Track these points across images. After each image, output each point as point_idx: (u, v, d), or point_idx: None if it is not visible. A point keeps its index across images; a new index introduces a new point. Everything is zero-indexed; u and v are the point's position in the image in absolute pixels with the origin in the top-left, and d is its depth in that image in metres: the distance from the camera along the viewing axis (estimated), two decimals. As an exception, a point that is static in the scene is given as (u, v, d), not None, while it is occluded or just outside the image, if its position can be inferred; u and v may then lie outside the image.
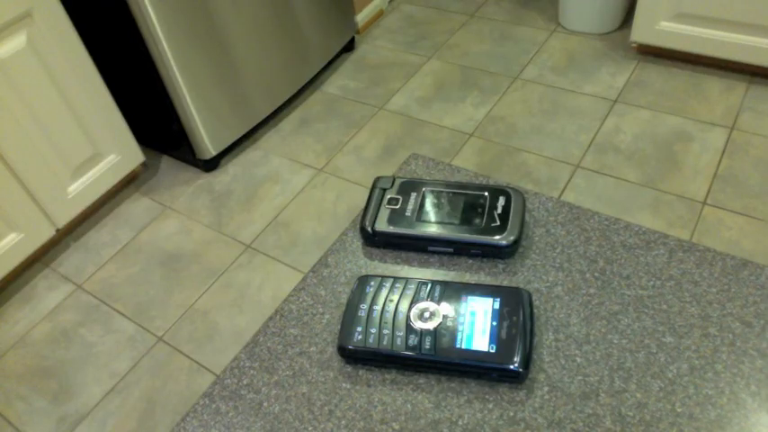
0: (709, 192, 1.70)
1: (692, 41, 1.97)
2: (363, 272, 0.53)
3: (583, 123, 1.96)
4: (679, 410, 0.42)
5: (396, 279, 0.50)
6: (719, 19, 1.87)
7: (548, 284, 0.50)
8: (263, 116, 2.07)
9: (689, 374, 0.44)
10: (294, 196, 1.89)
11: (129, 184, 2.02)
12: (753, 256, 1.53)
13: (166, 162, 2.08)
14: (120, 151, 1.83)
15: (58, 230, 1.76)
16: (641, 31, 2.04)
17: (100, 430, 1.42)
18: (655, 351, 0.45)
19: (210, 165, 2.00)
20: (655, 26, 2.00)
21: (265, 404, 0.46)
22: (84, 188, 1.76)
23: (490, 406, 0.44)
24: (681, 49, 2.01)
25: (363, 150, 2.01)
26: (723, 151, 1.80)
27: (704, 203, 1.67)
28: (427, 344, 0.45)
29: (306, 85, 2.28)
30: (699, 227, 1.61)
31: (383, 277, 0.50)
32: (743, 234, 1.58)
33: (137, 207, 1.94)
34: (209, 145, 1.92)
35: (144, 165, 2.08)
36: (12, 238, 1.63)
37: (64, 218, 1.74)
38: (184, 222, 1.86)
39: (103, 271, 1.76)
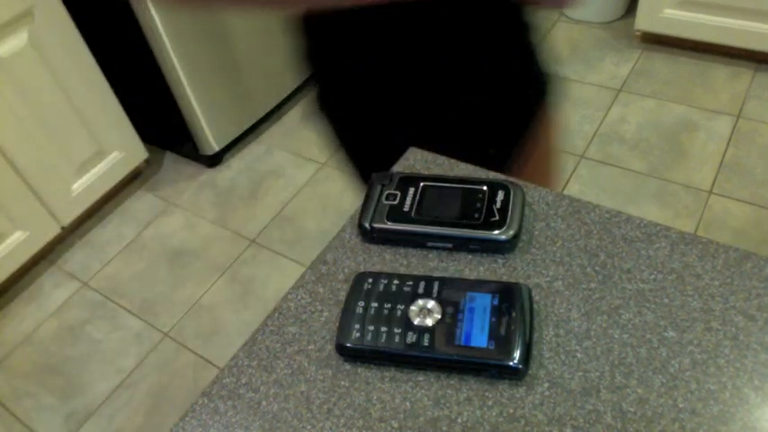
0: (715, 181, 1.68)
1: (697, 29, 1.94)
2: (361, 269, 0.53)
3: (587, 113, 1.95)
4: (681, 406, 0.42)
5: (394, 275, 0.50)
6: (725, 5, 1.85)
7: (548, 279, 0.50)
8: (266, 111, 2.06)
9: (691, 369, 0.43)
10: (298, 191, 1.89)
11: (133, 180, 2.02)
12: (760, 246, 1.51)
13: (170, 158, 2.08)
14: (123, 148, 1.83)
15: (62, 228, 1.76)
16: (645, 19, 2.02)
17: (107, 426, 1.43)
18: (656, 346, 0.45)
19: (214, 160, 2.00)
20: (659, 14, 1.98)
21: (264, 403, 0.46)
22: (88, 185, 1.77)
23: (489, 403, 0.43)
24: (685, 36, 1.99)
25: (366, 144, 2.00)
26: (729, 140, 1.78)
27: (710, 193, 1.65)
28: (426, 341, 0.45)
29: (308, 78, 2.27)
30: (705, 216, 1.60)
31: (381, 274, 0.50)
32: (750, 223, 1.57)
33: (141, 204, 1.94)
34: (212, 140, 1.91)
35: (147, 161, 2.08)
36: (17, 236, 1.64)
37: (68, 215, 1.75)
38: (189, 218, 1.87)
39: (109, 268, 1.77)
